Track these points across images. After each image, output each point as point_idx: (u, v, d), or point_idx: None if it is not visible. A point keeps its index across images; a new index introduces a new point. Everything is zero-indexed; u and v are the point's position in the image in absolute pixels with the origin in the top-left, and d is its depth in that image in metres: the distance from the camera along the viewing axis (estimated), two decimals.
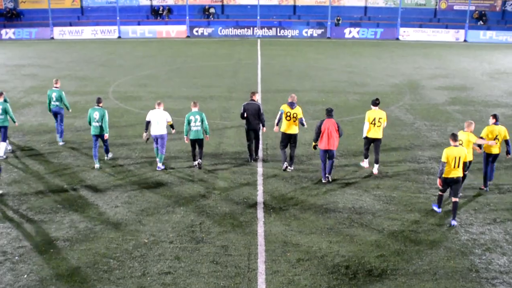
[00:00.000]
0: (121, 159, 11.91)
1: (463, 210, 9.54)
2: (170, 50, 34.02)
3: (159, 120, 11.11)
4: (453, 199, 9.00)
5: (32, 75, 23.17)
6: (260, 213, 9.20)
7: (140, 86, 20.22)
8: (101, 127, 11.27)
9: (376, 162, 11.14)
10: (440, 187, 9.12)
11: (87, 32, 42.06)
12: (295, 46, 36.81)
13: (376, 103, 11.08)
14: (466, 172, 9.51)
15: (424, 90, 20.93)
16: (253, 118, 11.44)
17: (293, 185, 10.48)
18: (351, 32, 42.45)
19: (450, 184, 8.99)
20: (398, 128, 14.35)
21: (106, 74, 22.80)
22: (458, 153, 8.86)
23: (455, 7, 45.16)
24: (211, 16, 44.87)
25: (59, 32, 42.16)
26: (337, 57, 30.58)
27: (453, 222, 8.92)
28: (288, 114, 11.07)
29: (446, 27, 43.28)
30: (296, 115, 11.05)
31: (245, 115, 11.47)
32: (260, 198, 9.83)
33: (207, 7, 45.03)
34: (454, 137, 8.96)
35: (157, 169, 11.24)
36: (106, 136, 11.42)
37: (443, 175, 8.95)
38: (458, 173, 8.90)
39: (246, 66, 25.98)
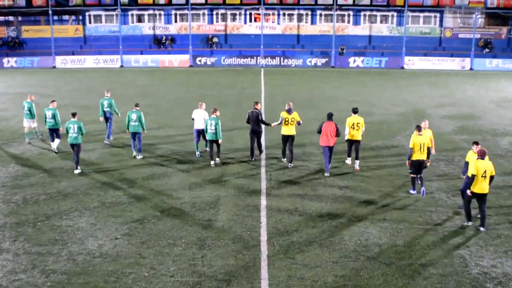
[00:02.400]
0: (121, 191, 11.97)
1: (473, 242, 9.48)
2: (172, 79, 34.61)
3: (199, 118, 14.43)
4: (418, 175, 11.83)
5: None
6: (264, 245, 9.16)
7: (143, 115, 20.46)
8: (138, 127, 14.38)
9: (357, 158, 13.72)
10: (410, 168, 11.85)
11: (90, 61, 42.92)
12: (299, 75, 37.36)
13: (355, 111, 13.67)
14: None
15: (430, 119, 21.08)
16: (254, 123, 14.11)
17: (298, 216, 10.49)
18: (355, 61, 43.12)
19: (418, 166, 11.72)
20: (404, 157, 14.41)
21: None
22: (423, 140, 11.64)
23: (460, 36, 45.94)
24: (214, 46, 45.82)
25: (61, 61, 43.03)
26: (341, 87, 30.98)
27: (422, 190, 11.75)
28: (287, 120, 13.70)
29: (452, 56, 43.91)
30: (294, 120, 13.72)
31: (249, 120, 14.15)
32: (263, 230, 9.82)
33: (210, 36, 46.03)
34: (419, 128, 11.71)
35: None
36: (144, 132, 14.66)
37: (411, 159, 11.70)
38: (422, 156, 11.68)
39: (250, 95, 26.35)
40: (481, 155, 9.90)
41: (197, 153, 14.69)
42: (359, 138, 13.62)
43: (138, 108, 14.75)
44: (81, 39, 46.64)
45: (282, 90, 28.38)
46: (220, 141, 13.69)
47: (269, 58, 43.12)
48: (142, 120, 14.49)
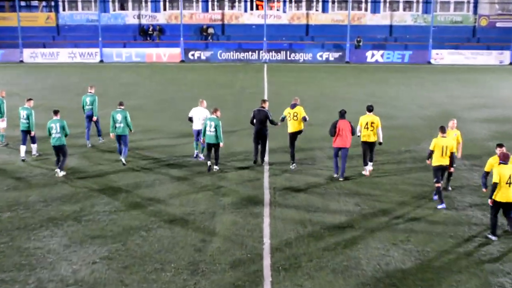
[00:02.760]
0: (101, 205, 12.01)
1: (506, 258, 9.48)
2: (161, 77, 34.87)
3: (200, 117, 14.99)
4: (436, 185, 12.15)
5: None
6: (267, 271, 9.12)
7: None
8: (124, 128, 14.85)
9: (370, 160, 14.43)
10: (434, 176, 12.20)
11: (64, 54, 43.21)
12: (308, 72, 37.61)
13: (370, 109, 14.27)
14: None
15: (461, 123, 21.11)
16: (260, 124, 14.66)
17: (307, 235, 10.48)
18: (374, 56, 43.35)
19: (439, 172, 12.08)
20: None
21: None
22: (446, 143, 12.07)
23: (498, 24, 45.89)
24: (209, 38, 46.12)
25: (29, 55, 43.30)
26: (358, 85, 31.13)
27: (441, 206, 12.01)
28: (289, 114, 14.51)
29: (488, 48, 44.01)
30: (298, 114, 14.44)
31: (254, 120, 14.73)
32: (266, 252, 9.79)
33: (205, 26, 46.26)
34: (442, 129, 12.17)
35: (195, 157, 15.26)
36: (132, 132, 15.15)
37: (433, 164, 12.09)
38: (444, 161, 12.06)
39: (251, 96, 26.53)
40: (504, 159, 10.24)
41: (196, 153, 15.18)
42: (373, 139, 14.22)
43: (123, 107, 15.14)
44: (53, 29, 46.92)
45: (289, 89, 28.51)
46: (221, 144, 14.25)
47: (273, 52, 43.39)
48: (128, 120, 14.91)
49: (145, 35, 46.09)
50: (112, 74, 35.37)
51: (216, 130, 14.01)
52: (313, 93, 27.93)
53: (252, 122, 14.95)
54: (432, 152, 12.11)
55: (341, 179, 13.85)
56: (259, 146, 14.91)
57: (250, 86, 30.35)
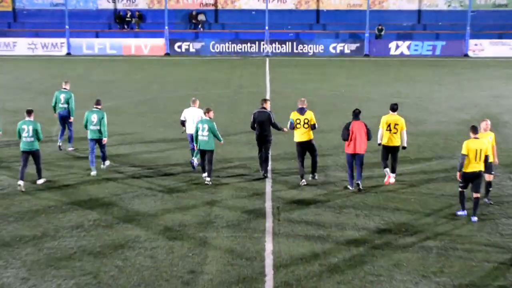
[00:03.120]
0: (69, 228, 12.01)
1: None
2: (141, 74, 35.02)
3: (194, 119, 15.41)
4: (474, 195, 12.49)
5: None
6: None
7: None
8: (99, 131, 15.38)
9: (393, 171, 14.85)
10: (460, 181, 12.61)
11: (22, 45, 43.36)
12: (319, 67, 37.78)
13: (394, 108, 14.77)
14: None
15: (507, 128, 21.15)
16: (262, 127, 15.07)
17: (318, 265, 10.50)
18: (398, 47, 43.55)
19: (471, 179, 12.49)
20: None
21: (49, 107, 23.34)
22: (479, 146, 12.32)
23: None
24: (200, 26, 46.30)
25: None
26: (379, 83, 31.25)
27: (474, 219, 12.45)
28: (298, 121, 14.67)
29: None
30: (308, 121, 14.67)
31: (255, 124, 15.12)
32: (269, 286, 9.84)
33: (194, 12, 46.46)
34: (474, 129, 12.63)
35: (191, 163, 15.40)
36: (105, 140, 15.53)
37: (463, 169, 12.41)
38: (478, 167, 12.38)
39: (250, 97, 26.64)
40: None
41: (193, 160, 15.45)
42: (397, 143, 14.71)
43: (100, 107, 15.75)
44: (8, 14, 47.07)
45: (296, 89, 28.64)
46: (222, 142, 14.93)
47: (277, 43, 43.58)
48: (105, 123, 15.50)
49: (122, 22, 46.26)
50: (82, 70, 35.49)
51: (209, 134, 14.45)
52: (324, 93, 28.04)
53: (253, 127, 15.31)
54: (465, 157, 12.42)
55: (351, 188, 14.30)
56: (262, 153, 15.30)
57: (249, 85, 30.46)
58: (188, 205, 13.30)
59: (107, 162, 16.04)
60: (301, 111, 14.82)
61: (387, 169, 14.79)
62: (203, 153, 14.76)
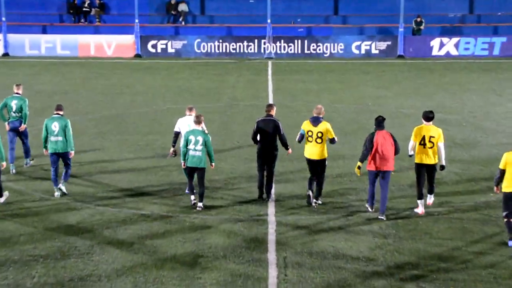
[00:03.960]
0: (17, 270, 12.11)
1: None
2: (103, 82, 35.20)
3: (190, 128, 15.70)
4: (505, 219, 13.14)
5: None
6: None
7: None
8: (63, 142, 16.10)
9: (430, 191, 15.35)
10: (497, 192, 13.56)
11: None
12: (338, 73, 37.99)
13: (429, 116, 15.16)
14: None
15: None
16: (267, 140, 15.63)
17: None
18: (443, 46, 43.76)
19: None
20: None
21: None
22: None
23: None
24: (181, 19, 46.43)
25: None
26: (417, 94, 31.40)
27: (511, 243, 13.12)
28: (310, 133, 15.21)
29: None
30: (322, 135, 15.17)
31: (258, 136, 15.67)
32: None
33: (173, 1, 46.48)
34: None
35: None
36: (72, 153, 16.40)
37: (503, 190, 13.05)
38: None
39: (247, 112, 26.85)
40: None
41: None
42: (433, 160, 15.12)
43: (62, 113, 16.41)
44: None
45: (307, 102, 28.63)
46: (213, 165, 15.66)
47: (282, 41, 43.84)
48: (69, 133, 16.19)
49: (78, 14, 46.49)
50: (24, 76, 35.42)
51: (203, 149, 15.06)
52: (345, 107, 28.19)
53: (255, 138, 15.90)
54: (503, 172, 13.16)
55: (380, 217, 14.69)
56: (265, 172, 15.86)
57: (246, 97, 30.57)
58: (177, 232, 13.84)
59: (62, 186, 16.50)
60: (315, 121, 15.30)
61: (421, 201, 15.17)
62: (192, 171, 15.27)
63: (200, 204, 15.26)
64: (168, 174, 18.18)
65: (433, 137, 14.91)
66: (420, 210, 15.14)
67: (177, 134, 16.49)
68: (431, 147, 14.90)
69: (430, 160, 14.98)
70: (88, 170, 18.79)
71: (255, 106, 27.29)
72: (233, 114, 27.07)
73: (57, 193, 16.18)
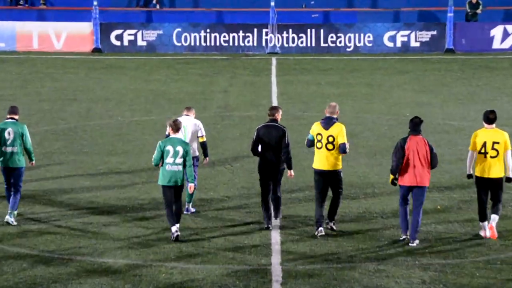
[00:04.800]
0: None
1: None
2: (51, 84, 35.26)
3: (188, 133, 16.96)
4: None
5: None
6: None
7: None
8: (18, 154, 16.73)
9: (495, 211, 15.39)
10: None
11: None
12: (365, 73, 38.24)
13: (491, 119, 15.30)
14: None
15: None
16: (270, 151, 16.16)
17: None
18: (508, 36, 43.81)
19: None
20: None
21: None
22: None
23: None
24: (155, 0, 46.39)
25: None
26: (472, 100, 31.45)
27: None
28: (320, 137, 15.71)
29: None
30: (334, 140, 15.54)
31: (259, 146, 16.25)
32: None
33: None
34: None
35: (186, 212, 16.87)
36: (33, 164, 17.37)
37: None
38: None
39: (242, 125, 27.07)
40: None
41: (189, 209, 17.22)
42: (499, 174, 15.28)
43: (17, 118, 16.98)
44: None
45: (324, 112, 28.46)
46: (192, 186, 16.27)
47: (290, 32, 43.99)
48: (28, 140, 16.93)
49: None
50: None
51: (184, 162, 15.54)
52: (375, 118, 28.28)
53: (255, 150, 16.48)
54: None
55: (412, 243, 15.02)
56: (270, 195, 16.40)
57: (242, 105, 30.65)
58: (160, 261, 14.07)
59: (13, 220, 16.74)
60: (327, 122, 15.83)
61: (485, 224, 15.31)
62: (169, 191, 15.66)
63: (177, 231, 15.53)
64: (139, 208, 18.08)
65: (497, 143, 15.00)
66: (484, 233, 15.25)
67: None
68: (494, 156, 15.00)
69: (494, 172, 15.11)
70: (28, 204, 18.69)
71: (254, 118, 27.36)
72: (224, 127, 27.11)
73: (10, 218, 16.53)
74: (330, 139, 15.50)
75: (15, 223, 16.60)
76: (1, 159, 16.57)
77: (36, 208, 18.29)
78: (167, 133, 16.62)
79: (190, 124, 17.30)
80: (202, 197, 18.66)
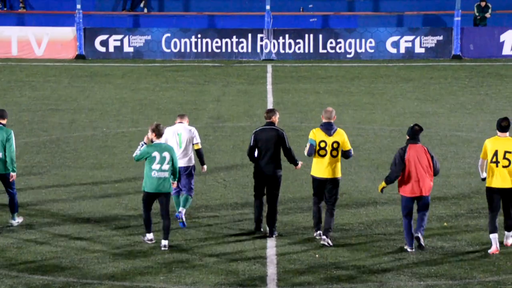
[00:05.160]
0: None
1: None
2: (30, 93, 35.24)
3: (182, 141, 17.48)
4: None
5: None
6: None
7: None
8: (3, 162, 17.31)
9: (508, 228, 15.83)
10: None
11: None
12: (367, 81, 38.31)
13: (505, 126, 15.70)
14: None
15: None
16: (267, 155, 16.73)
17: None
18: None
19: None
20: None
21: None
22: None
23: None
24: (142, 4, 46.48)
25: None
26: (482, 110, 31.57)
27: None
28: (324, 145, 16.20)
29: None
30: (339, 146, 16.25)
31: (256, 151, 16.84)
32: None
33: None
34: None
35: (176, 218, 17.19)
36: (13, 176, 17.53)
37: None
38: None
39: (236, 136, 27.13)
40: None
41: (180, 214, 17.36)
42: (511, 184, 15.54)
43: (4, 123, 17.63)
44: None
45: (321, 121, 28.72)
46: (175, 183, 16.79)
47: (287, 37, 44.02)
48: (12, 147, 17.50)
49: None
50: None
51: (169, 169, 16.12)
52: (377, 129, 28.38)
53: (251, 155, 17.01)
54: None
55: (417, 233, 15.61)
56: (264, 200, 17.05)
57: (236, 115, 30.64)
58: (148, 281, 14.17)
59: (19, 219, 17.81)
60: (329, 128, 16.41)
61: (495, 236, 15.48)
62: (152, 199, 16.28)
63: (165, 242, 15.97)
64: (125, 224, 18.09)
65: (510, 152, 15.35)
66: (493, 248, 15.43)
67: None
68: (506, 166, 15.34)
69: (506, 183, 15.39)
70: (7, 220, 18.72)
71: (248, 129, 27.09)
72: (217, 139, 27.18)
73: (15, 221, 17.60)
74: (335, 145, 16.14)
75: (21, 219, 17.74)
76: None
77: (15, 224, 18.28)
78: (143, 141, 16.76)
79: (185, 131, 17.67)
80: (194, 212, 18.69)
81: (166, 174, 16.02)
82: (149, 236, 16.41)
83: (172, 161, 16.05)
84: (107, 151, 24.81)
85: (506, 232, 15.75)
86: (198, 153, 18.05)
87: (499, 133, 15.64)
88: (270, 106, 32.05)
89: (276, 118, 17.00)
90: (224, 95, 34.76)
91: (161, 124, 16.40)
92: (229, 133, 27.82)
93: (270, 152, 16.65)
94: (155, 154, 15.82)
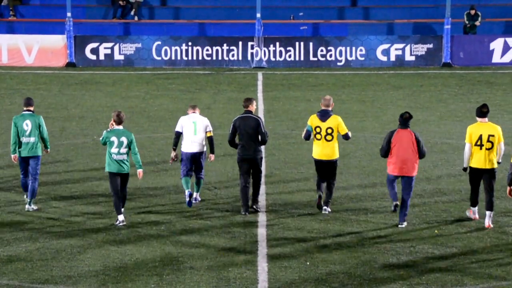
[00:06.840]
0: None
1: None
2: (20, 101, 34.84)
3: (197, 129, 19.25)
4: None
5: None
6: None
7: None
8: (35, 145, 19.08)
9: (489, 207, 16.98)
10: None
11: None
12: (357, 89, 38.43)
13: (484, 112, 17.21)
14: None
15: None
16: (249, 141, 18.45)
17: None
18: (508, 50, 44.05)
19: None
20: None
21: None
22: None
23: None
24: (133, 12, 46.42)
25: None
26: (472, 118, 30.49)
27: None
28: (319, 130, 18.08)
29: None
30: (332, 131, 18.07)
31: (236, 138, 18.54)
32: None
33: None
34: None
35: (194, 201, 19.39)
36: (47, 151, 20.06)
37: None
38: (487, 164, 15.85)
39: (226, 145, 26.14)
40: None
41: (189, 193, 19.00)
42: (493, 165, 17.07)
43: (32, 109, 19.03)
44: None
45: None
46: (141, 172, 18.45)
47: (277, 45, 44.07)
48: (45, 131, 19.23)
49: None
50: None
51: (128, 151, 17.97)
52: (367, 138, 28.39)
53: (232, 141, 18.46)
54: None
55: (401, 225, 17.46)
56: (250, 186, 18.37)
57: (227, 123, 30.57)
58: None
59: (35, 206, 19.45)
60: (324, 115, 18.42)
61: (475, 209, 17.04)
62: (115, 178, 18.00)
63: (122, 215, 18.02)
64: (116, 233, 17.94)
65: (493, 136, 16.75)
66: (473, 215, 17.07)
67: (179, 135, 19.54)
68: (489, 148, 16.71)
69: (488, 164, 16.66)
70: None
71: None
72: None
73: (32, 206, 19.20)
74: (329, 130, 18.12)
75: (36, 207, 19.33)
76: (21, 149, 18.86)
77: (4, 232, 18.22)
78: (108, 129, 18.33)
79: (199, 120, 19.40)
80: (185, 222, 18.71)
81: (125, 157, 17.74)
82: (120, 217, 17.95)
83: (130, 147, 17.80)
84: (97, 159, 24.72)
85: (487, 212, 16.96)
86: (210, 140, 19.63)
87: (479, 119, 17.27)
88: (261, 114, 32.09)
89: (253, 107, 19.04)
90: (215, 103, 34.78)
91: (122, 112, 18.14)
92: (220, 141, 27.69)
93: (250, 137, 18.42)
94: (113, 139, 17.57)
